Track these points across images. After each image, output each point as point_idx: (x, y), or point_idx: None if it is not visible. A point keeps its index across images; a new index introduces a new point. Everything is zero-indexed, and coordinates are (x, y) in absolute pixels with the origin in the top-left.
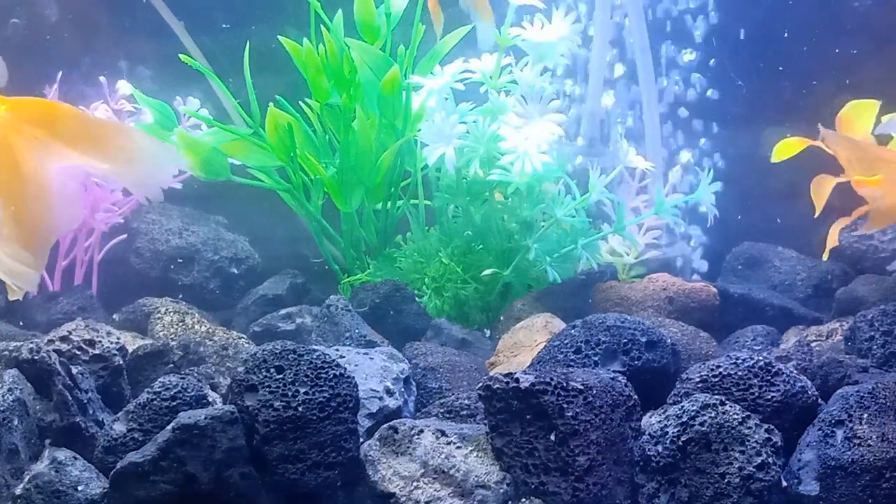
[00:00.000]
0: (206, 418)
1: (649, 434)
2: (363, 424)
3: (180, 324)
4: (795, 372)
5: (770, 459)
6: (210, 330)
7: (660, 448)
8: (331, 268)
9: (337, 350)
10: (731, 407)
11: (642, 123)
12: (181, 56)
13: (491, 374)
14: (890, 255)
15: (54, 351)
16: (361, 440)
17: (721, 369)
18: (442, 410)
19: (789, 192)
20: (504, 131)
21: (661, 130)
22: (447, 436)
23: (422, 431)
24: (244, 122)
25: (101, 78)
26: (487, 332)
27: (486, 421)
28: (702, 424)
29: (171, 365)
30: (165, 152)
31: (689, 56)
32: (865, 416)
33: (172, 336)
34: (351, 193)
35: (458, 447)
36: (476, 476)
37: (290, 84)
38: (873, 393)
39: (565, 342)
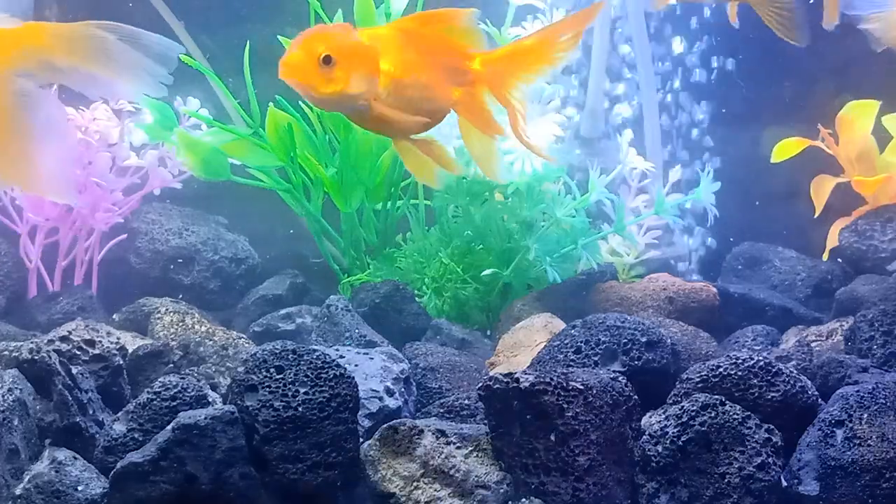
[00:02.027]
0: (206, 418)
1: (649, 434)
2: (363, 424)
3: (180, 324)
4: (795, 372)
5: (770, 459)
6: (210, 330)
7: (660, 448)
8: (331, 268)
9: (337, 350)
10: (731, 407)
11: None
12: (181, 56)
13: (491, 374)
14: (890, 255)
15: (54, 351)
16: (361, 440)
17: (721, 369)
18: (442, 410)
19: (789, 192)
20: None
21: (660, 131)
22: (447, 436)
23: (422, 431)
24: (244, 123)
25: None
26: (488, 332)
27: (486, 421)
28: (702, 424)
29: (171, 365)
30: (161, 45)
31: (691, 58)
32: (865, 416)
33: (172, 336)
34: (351, 193)
35: (458, 447)
36: (476, 476)
37: None
38: (873, 393)
39: (565, 342)
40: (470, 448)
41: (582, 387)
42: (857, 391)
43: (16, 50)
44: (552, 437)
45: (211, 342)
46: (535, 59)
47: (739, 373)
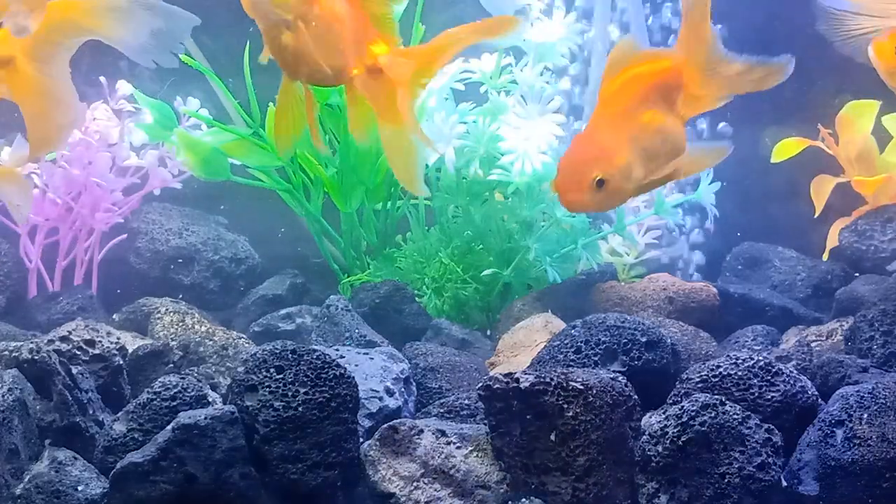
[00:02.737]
0: (206, 418)
1: (649, 434)
2: (363, 424)
3: (180, 324)
4: (795, 372)
5: (770, 459)
6: (210, 330)
7: (660, 448)
8: (331, 268)
9: (337, 350)
10: (731, 407)
11: None
12: (181, 56)
13: (491, 374)
14: (890, 255)
15: (54, 351)
16: (361, 440)
17: (721, 369)
18: (442, 410)
19: (789, 192)
20: (504, 131)
21: None
22: (447, 436)
23: (422, 431)
24: (244, 123)
25: (101, 78)
26: (488, 332)
27: (486, 421)
28: (702, 424)
29: (171, 365)
30: (174, 15)
31: None
32: (865, 416)
33: (172, 336)
34: (351, 193)
35: (458, 447)
36: (476, 476)
37: None
38: (873, 393)
39: (565, 342)
40: (470, 448)
41: (582, 387)
42: (857, 391)
43: (62, 20)
44: (552, 437)
45: (211, 342)
46: (434, 62)
47: (739, 373)
